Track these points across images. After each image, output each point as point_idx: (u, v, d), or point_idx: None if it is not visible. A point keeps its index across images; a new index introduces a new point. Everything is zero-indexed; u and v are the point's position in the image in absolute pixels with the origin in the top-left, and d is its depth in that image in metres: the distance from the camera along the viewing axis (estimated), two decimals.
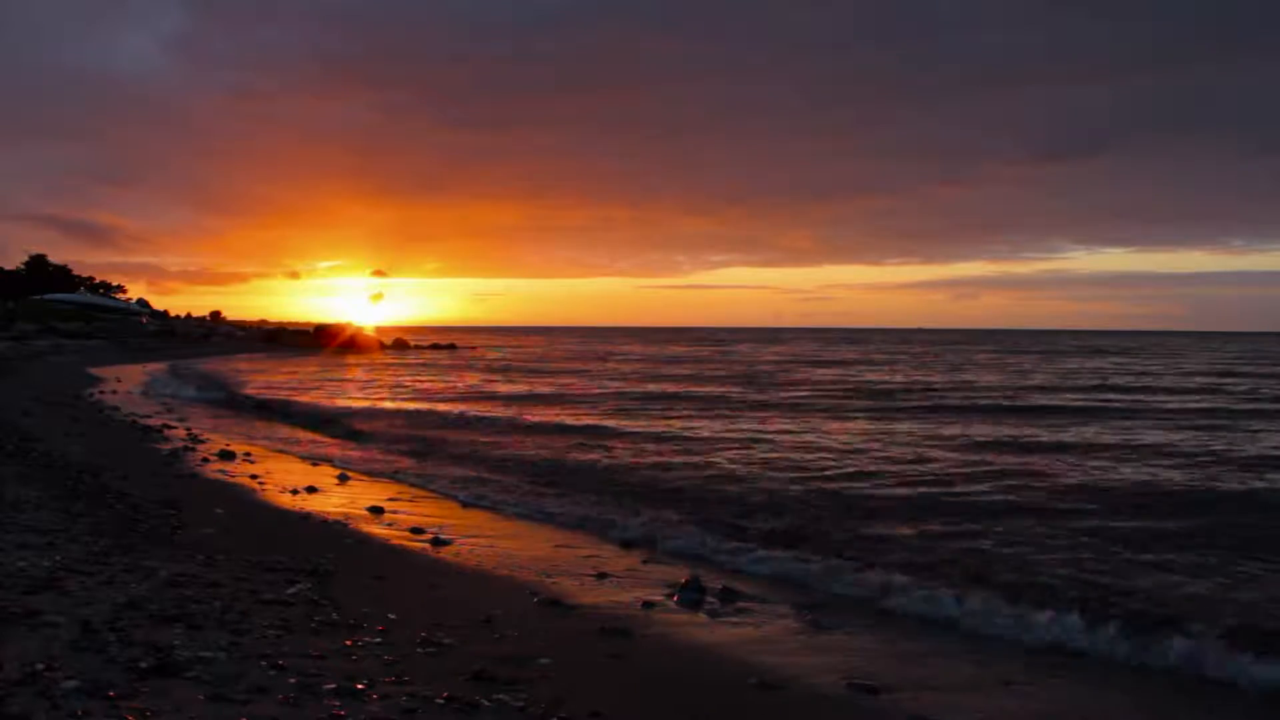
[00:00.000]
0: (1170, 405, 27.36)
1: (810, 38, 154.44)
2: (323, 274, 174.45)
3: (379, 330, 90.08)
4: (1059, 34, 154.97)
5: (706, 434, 19.86)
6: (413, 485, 13.89)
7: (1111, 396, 30.76)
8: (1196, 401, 28.71)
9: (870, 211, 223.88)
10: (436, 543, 9.72)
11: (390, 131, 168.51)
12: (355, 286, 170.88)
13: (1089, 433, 20.15)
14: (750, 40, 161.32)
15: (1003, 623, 7.34)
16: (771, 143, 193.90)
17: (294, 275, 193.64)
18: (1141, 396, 30.72)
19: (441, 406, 27.42)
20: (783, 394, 32.23)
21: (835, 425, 21.64)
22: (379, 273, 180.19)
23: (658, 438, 19.18)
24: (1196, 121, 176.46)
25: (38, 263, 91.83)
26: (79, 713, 4.24)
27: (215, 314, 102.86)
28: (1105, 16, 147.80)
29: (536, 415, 24.12)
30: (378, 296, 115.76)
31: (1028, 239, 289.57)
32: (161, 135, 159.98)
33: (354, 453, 17.66)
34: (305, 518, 10.79)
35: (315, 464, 15.69)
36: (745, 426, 21.43)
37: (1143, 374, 44.62)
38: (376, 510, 11.42)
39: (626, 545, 10.06)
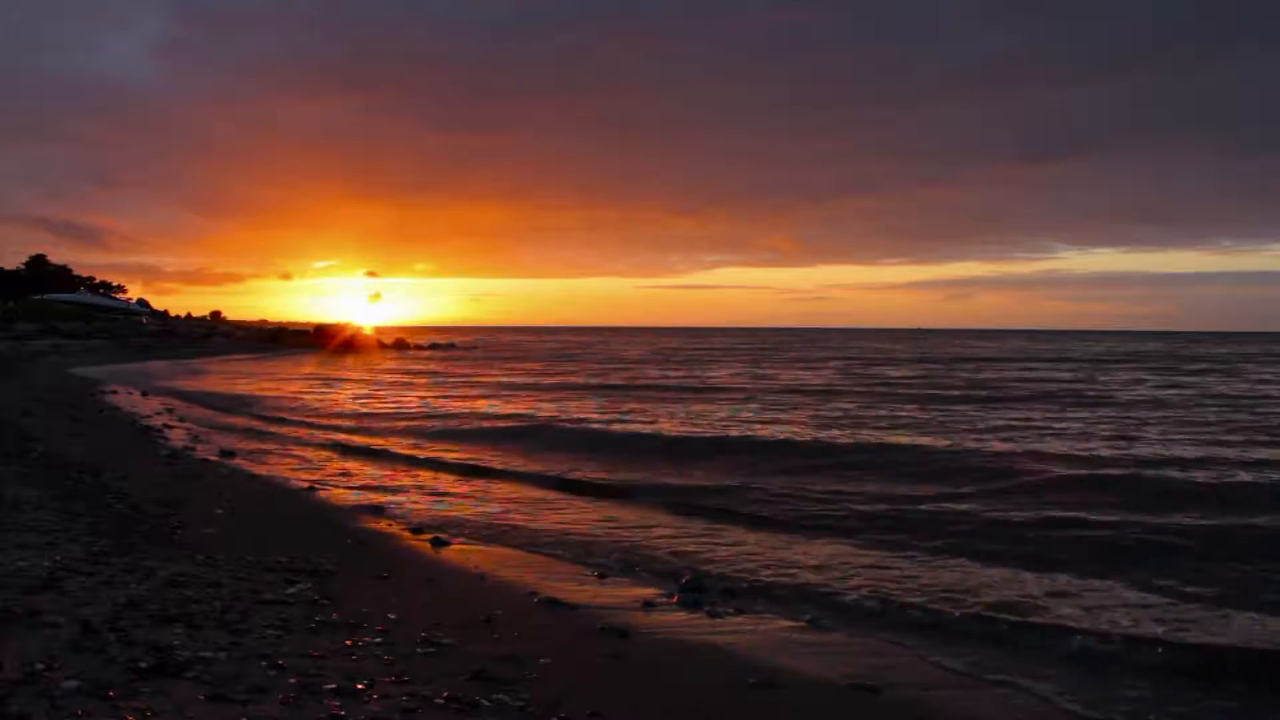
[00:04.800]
0: None
1: (803, 38, 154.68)
2: (317, 274, 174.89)
3: (377, 330, 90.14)
4: (1051, 34, 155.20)
5: None
6: (413, 485, 13.89)
7: None
8: None
9: (864, 212, 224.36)
10: (437, 543, 9.72)
11: (379, 133, 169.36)
12: (353, 287, 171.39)
13: None
14: (742, 41, 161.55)
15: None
16: (762, 143, 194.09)
17: (286, 276, 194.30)
18: None
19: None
20: None
21: None
22: (371, 274, 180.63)
23: None
24: (1186, 122, 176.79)
25: (38, 263, 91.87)
26: (79, 713, 4.24)
27: (215, 314, 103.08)
28: (1097, 17, 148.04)
29: None
30: (376, 297, 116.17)
31: (1020, 239, 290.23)
32: (153, 137, 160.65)
33: (355, 453, 17.66)
34: (305, 517, 10.79)
35: (315, 464, 15.68)
36: None
37: None
38: (377, 510, 11.42)
39: (627, 542, 10.06)
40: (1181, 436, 18.88)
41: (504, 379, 42.06)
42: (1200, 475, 13.55)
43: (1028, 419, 22.46)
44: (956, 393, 31.63)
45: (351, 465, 15.71)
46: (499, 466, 15.63)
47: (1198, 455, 15.86)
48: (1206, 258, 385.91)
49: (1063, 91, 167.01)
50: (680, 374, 44.66)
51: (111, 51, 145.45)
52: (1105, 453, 16.12)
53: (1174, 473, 13.82)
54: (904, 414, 24.12)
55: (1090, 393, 32.49)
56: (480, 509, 11.97)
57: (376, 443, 18.95)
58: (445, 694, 4.99)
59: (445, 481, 14.32)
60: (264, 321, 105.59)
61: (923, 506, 11.73)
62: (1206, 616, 7.47)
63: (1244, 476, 13.44)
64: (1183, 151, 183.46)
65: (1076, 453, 15.94)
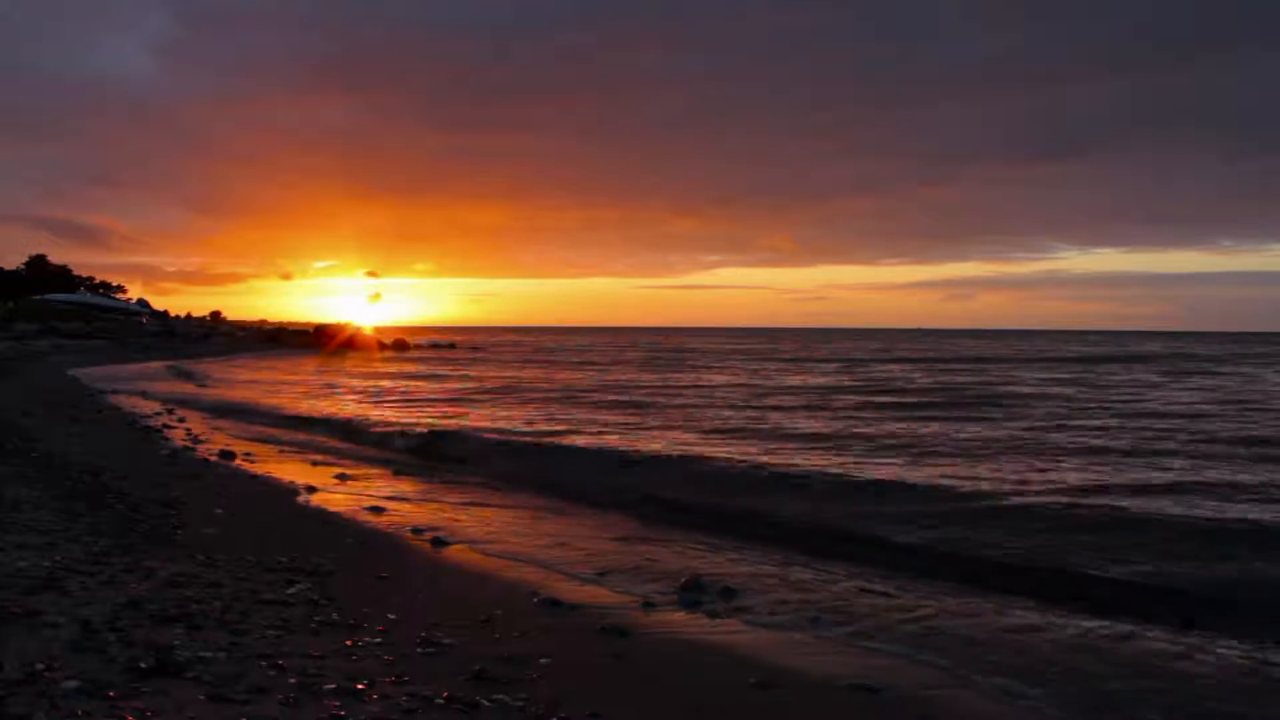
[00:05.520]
0: None
1: (803, 38, 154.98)
2: (317, 274, 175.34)
3: (377, 330, 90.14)
4: (1051, 34, 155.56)
5: None
6: (413, 486, 13.89)
7: None
8: None
9: (864, 212, 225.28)
10: (436, 543, 9.72)
11: (379, 133, 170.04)
12: (352, 287, 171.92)
13: None
14: (742, 41, 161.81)
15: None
16: (762, 143, 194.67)
17: (286, 276, 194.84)
18: None
19: None
20: None
21: None
22: (371, 274, 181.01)
23: None
24: (1186, 122, 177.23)
25: (38, 263, 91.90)
26: (79, 713, 4.24)
27: (215, 314, 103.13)
28: (1097, 17, 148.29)
29: None
30: (375, 297, 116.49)
31: (1021, 239, 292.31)
32: (153, 137, 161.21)
33: (355, 454, 17.66)
34: (305, 518, 10.79)
35: (315, 464, 15.67)
36: None
37: None
38: (377, 510, 11.42)
39: (626, 543, 10.06)
40: (1210, 454, 16.87)
41: (505, 385, 42.09)
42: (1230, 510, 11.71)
43: (1034, 432, 20.95)
44: (971, 403, 29.31)
45: (351, 466, 15.69)
46: (499, 471, 15.64)
47: (1225, 479, 14.03)
48: (1207, 257, 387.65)
49: (1063, 91, 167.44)
50: (683, 378, 44.63)
51: (111, 51, 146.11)
52: (1121, 479, 14.10)
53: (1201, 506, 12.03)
54: (900, 430, 24.05)
55: (1103, 397, 31.87)
56: (481, 510, 11.98)
57: (376, 446, 18.96)
58: (445, 694, 5.00)
59: (446, 483, 14.32)
60: (264, 321, 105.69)
61: (933, 529, 11.15)
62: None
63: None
64: (1183, 151, 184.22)
65: (1089, 480, 13.93)
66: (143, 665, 4.91)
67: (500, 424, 22.22)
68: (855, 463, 15.85)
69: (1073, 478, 14.18)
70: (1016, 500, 12.42)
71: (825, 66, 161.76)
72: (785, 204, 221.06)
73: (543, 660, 5.84)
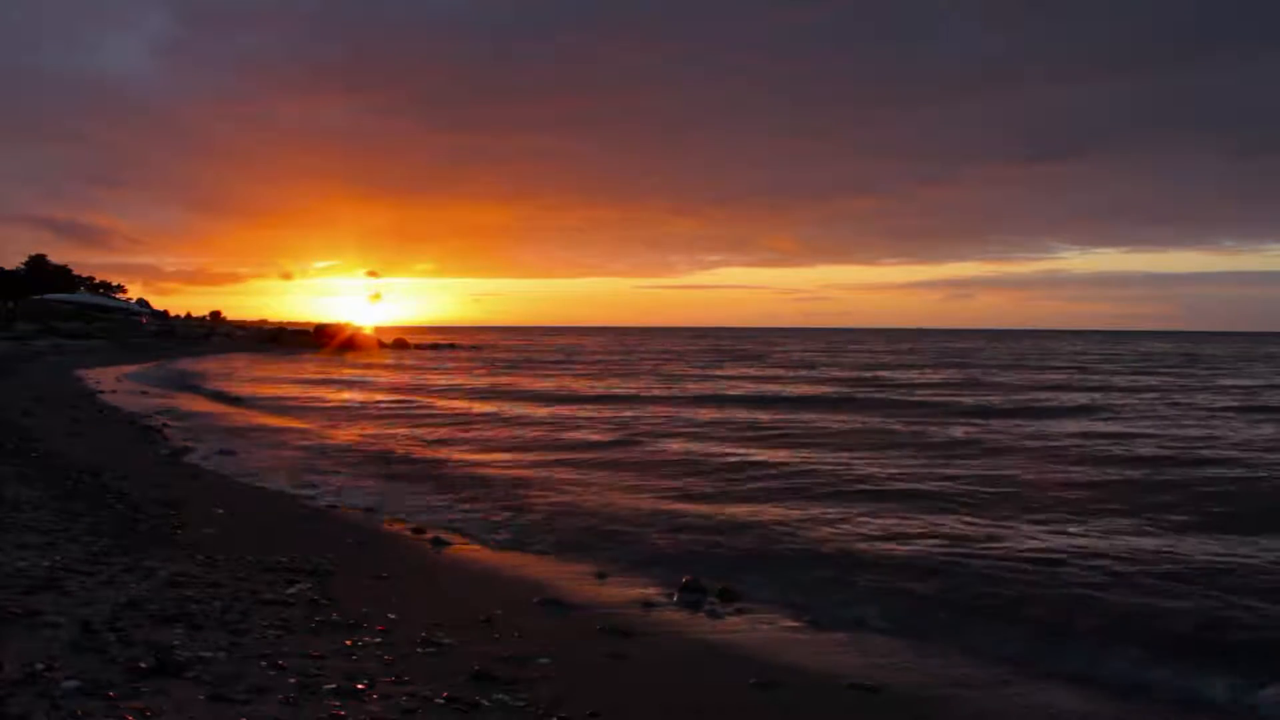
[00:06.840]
0: None
1: (803, 38, 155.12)
2: (317, 274, 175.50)
3: (378, 330, 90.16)
4: (1051, 34, 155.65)
5: None
6: (414, 486, 13.86)
7: None
8: None
9: (864, 212, 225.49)
10: (437, 543, 9.71)
11: (379, 133, 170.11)
12: (353, 287, 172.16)
13: None
14: (742, 41, 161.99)
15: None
16: (762, 143, 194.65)
17: (286, 276, 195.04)
18: None
19: None
20: None
21: None
22: (372, 274, 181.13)
23: None
24: (1186, 122, 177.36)
25: (38, 263, 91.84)
26: (79, 713, 4.24)
27: (215, 314, 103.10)
28: (1097, 17, 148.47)
29: None
30: (376, 296, 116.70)
31: (1021, 239, 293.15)
32: (153, 137, 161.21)
33: (356, 454, 17.63)
34: (305, 517, 10.79)
35: (315, 465, 15.65)
36: None
37: None
38: (377, 510, 11.42)
39: (626, 545, 10.05)
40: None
41: (507, 399, 42.03)
42: None
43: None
44: (995, 409, 25.45)
45: (351, 466, 15.68)
46: (498, 473, 15.62)
47: None
48: (1207, 258, 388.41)
49: (1063, 91, 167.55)
50: (699, 388, 44.43)
51: (112, 51, 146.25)
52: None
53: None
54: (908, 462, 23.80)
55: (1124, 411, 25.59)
56: (480, 511, 11.97)
57: (375, 444, 18.93)
58: (445, 694, 5.00)
59: (446, 482, 14.31)
60: (264, 321, 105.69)
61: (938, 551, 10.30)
62: None
63: None
64: (1183, 151, 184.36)
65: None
66: (143, 665, 4.91)
67: (506, 432, 22.19)
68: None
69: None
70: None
71: (825, 66, 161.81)
72: (785, 204, 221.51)
73: (543, 660, 5.84)
